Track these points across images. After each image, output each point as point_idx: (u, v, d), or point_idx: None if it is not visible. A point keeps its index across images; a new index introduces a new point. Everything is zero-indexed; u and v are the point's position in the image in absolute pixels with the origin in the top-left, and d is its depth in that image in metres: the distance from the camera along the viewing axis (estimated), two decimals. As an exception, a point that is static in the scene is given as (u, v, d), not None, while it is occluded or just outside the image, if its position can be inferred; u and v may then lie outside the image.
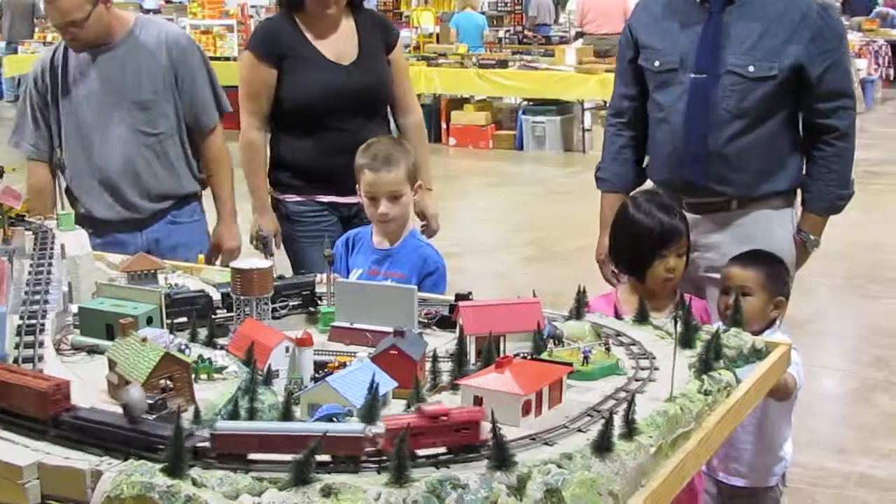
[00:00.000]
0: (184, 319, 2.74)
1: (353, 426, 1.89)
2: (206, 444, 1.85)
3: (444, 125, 14.38)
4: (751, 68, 3.48)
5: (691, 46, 3.56)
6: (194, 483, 1.78)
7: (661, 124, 3.66)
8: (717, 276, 3.55)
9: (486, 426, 1.87)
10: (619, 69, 3.92)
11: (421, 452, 1.85)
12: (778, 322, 3.44)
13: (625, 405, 2.08)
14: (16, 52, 18.00)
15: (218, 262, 4.17)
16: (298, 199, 4.27)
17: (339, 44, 4.21)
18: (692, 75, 3.55)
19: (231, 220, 4.31)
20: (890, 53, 18.08)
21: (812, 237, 3.69)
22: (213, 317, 2.79)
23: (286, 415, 2.08)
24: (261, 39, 4.29)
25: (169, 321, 2.68)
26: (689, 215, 3.56)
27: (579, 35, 15.85)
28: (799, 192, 3.72)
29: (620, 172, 3.88)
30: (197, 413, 2.08)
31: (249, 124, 4.22)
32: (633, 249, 3.41)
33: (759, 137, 3.54)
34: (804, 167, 3.69)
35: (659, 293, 3.34)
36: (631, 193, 3.75)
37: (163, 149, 4.12)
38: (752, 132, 3.53)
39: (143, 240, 4.12)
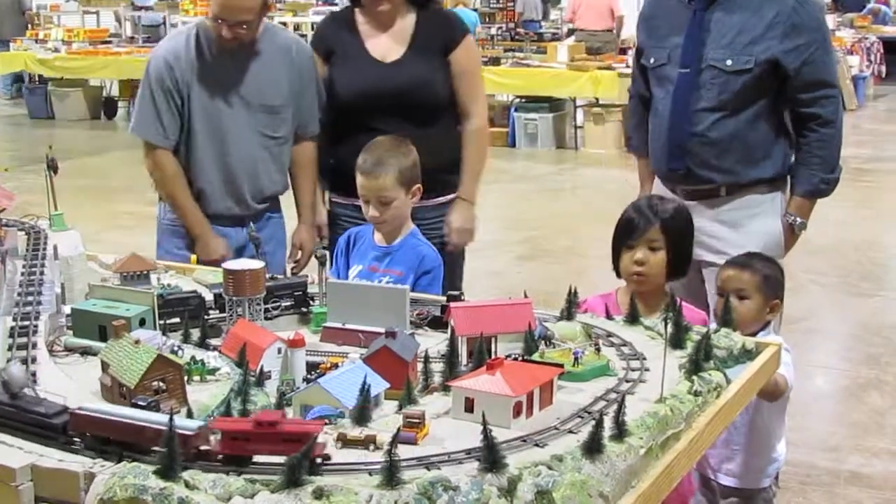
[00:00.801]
0: (176, 320, 2.75)
1: (190, 423, 1.93)
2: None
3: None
4: (728, 62, 3.66)
5: (678, 43, 3.76)
6: (187, 485, 1.80)
7: (655, 116, 3.89)
8: (711, 258, 3.73)
9: (324, 440, 1.89)
10: (632, 71, 4.23)
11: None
12: (773, 324, 3.47)
13: (615, 406, 2.10)
14: (9, 49, 17.82)
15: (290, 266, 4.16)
16: (341, 200, 4.17)
17: (389, 41, 4.06)
18: (679, 70, 3.75)
19: (312, 224, 4.25)
20: (882, 50, 18.12)
21: (799, 220, 3.83)
22: (206, 317, 2.79)
23: (278, 416, 2.10)
24: (315, 33, 4.27)
25: (161, 322, 2.69)
26: (684, 201, 3.72)
27: (571, 32, 15.88)
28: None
29: (644, 138, 4.09)
30: (190, 415, 2.10)
31: None
32: (613, 242, 3.45)
33: (739, 126, 3.71)
34: (792, 155, 3.84)
35: (632, 290, 3.32)
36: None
37: (279, 152, 4.11)
38: (732, 121, 3.70)
39: (245, 235, 4.05)
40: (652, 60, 3.87)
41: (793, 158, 3.83)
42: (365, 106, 4.00)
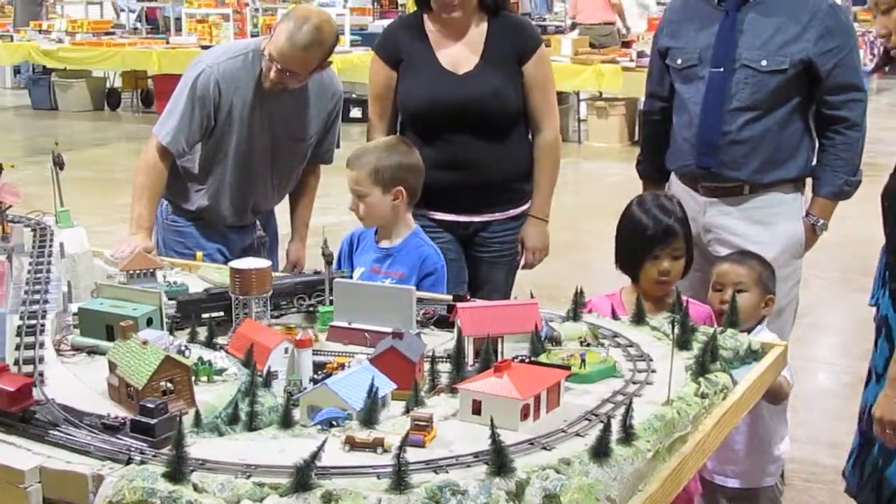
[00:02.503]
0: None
1: None
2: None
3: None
4: (763, 62, 3.70)
5: (709, 43, 3.79)
6: (195, 488, 1.80)
7: (682, 115, 3.90)
8: (729, 252, 3.74)
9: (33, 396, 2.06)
10: (649, 71, 4.18)
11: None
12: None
13: (622, 409, 2.10)
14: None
15: None
16: (415, 212, 3.92)
17: (461, 51, 3.90)
18: (710, 69, 3.78)
19: (305, 241, 4.29)
20: (885, 44, 18.07)
21: (821, 221, 3.90)
22: (212, 316, 2.80)
23: (286, 418, 2.10)
24: (382, 39, 4.11)
25: (168, 322, 2.69)
26: (703, 198, 3.83)
27: (574, 26, 15.84)
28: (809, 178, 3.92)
29: (657, 165, 4.11)
30: (197, 416, 2.10)
31: (372, 126, 4.07)
32: (628, 248, 3.43)
33: (770, 126, 3.75)
34: (814, 157, 3.89)
35: (652, 295, 3.33)
36: (641, 193, 3.83)
37: (289, 178, 4.14)
38: (763, 121, 3.74)
39: (250, 236, 4.15)
40: (679, 61, 3.88)
41: (815, 160, 3.87)
42: (436, 117, 3.88)
